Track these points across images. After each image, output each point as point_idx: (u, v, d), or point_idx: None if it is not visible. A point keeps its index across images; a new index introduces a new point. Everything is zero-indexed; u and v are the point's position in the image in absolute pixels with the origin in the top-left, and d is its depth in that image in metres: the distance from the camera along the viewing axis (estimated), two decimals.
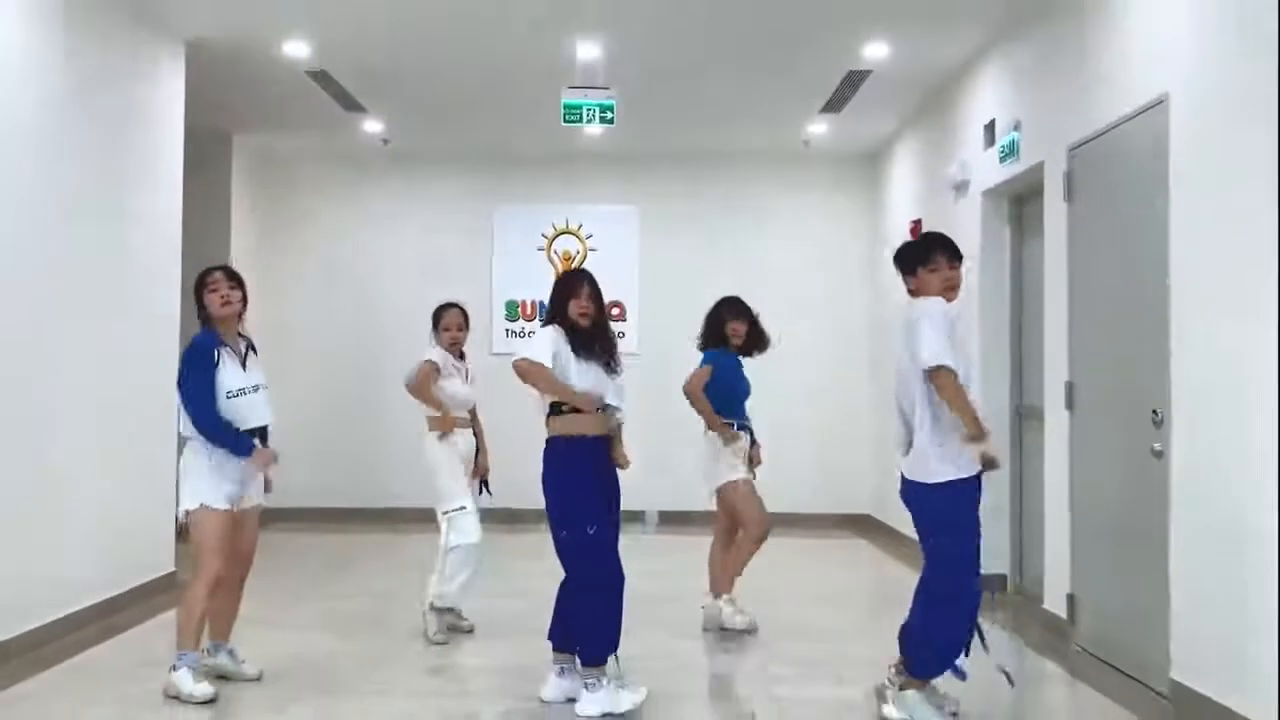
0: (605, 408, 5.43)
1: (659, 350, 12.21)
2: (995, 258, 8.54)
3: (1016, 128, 7.82)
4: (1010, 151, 7.91)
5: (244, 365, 5.70)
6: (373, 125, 11.13)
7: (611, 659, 5.31)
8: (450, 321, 7.08)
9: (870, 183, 12.32)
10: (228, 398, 5.57)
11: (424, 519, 7.32)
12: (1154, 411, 5.67)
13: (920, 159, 10.45)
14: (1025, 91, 7.77)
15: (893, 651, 5.16)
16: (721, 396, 7.15)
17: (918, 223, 10.32)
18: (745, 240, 12.46)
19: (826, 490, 12.15)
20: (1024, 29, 7.69)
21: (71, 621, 6.87)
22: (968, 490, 5.02)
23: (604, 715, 5.19)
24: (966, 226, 8.89)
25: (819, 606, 7.99)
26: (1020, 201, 8.36)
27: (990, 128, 8.38)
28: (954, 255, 5.28)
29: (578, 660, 5.40)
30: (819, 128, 11.00)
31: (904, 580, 8.67)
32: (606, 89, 8.36)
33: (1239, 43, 5.05)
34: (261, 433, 5.70)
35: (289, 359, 12.00)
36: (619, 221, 12.66)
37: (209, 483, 5.53)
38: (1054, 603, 7.01)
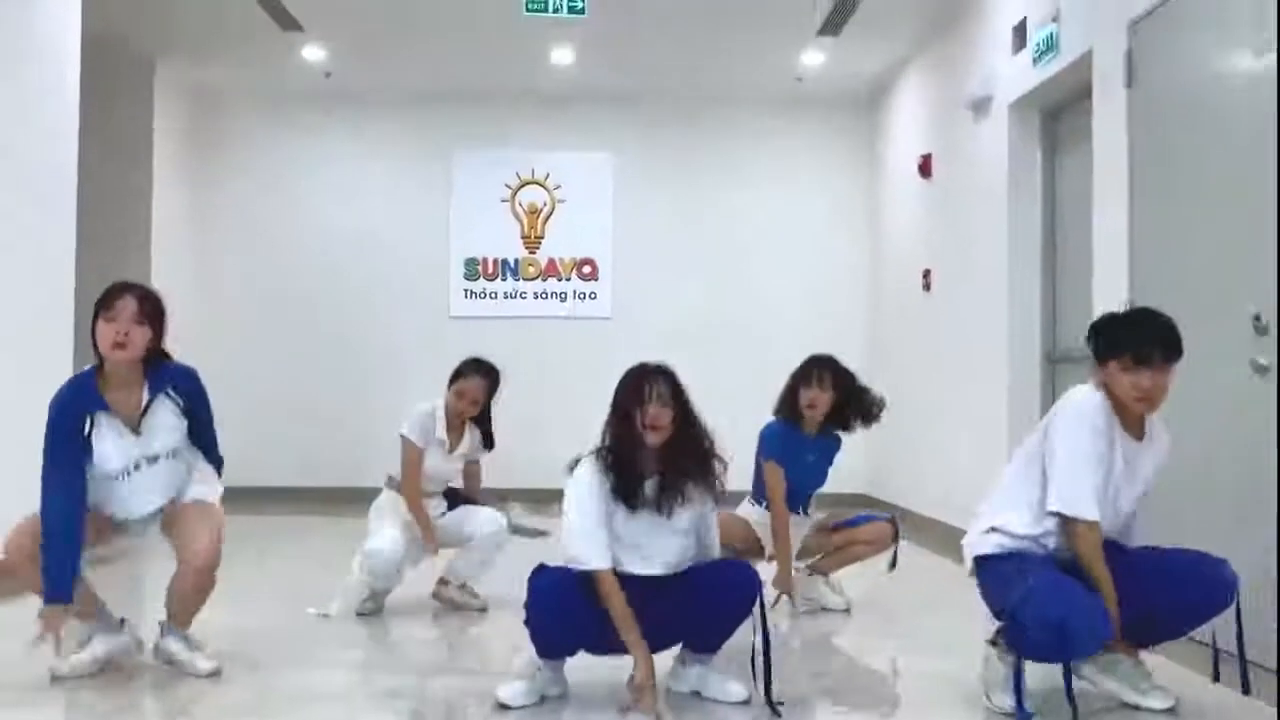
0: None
1: (634, 313, 11.23)
2: (1025, 182, 7.52)
3: (1055, 19, 6.80)
4: (1048, 48, 6.88)
5: (137, 429, 4.30)
6: (313, 52, 10.03)
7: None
8: (466, 389, 5.76)
9: (870, 123, 11.24)
10: (98, 479, 4.26)
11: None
12: (1255, 317, 4.63)
13: (932, 84, 9.41)
14: None
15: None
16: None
17: (927, 157, 9.30)
18: (731, 191, 11.39)
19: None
20: None
21: None
22: None
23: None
24: (989, 150, 7.89)
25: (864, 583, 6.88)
26: (1054, 115, 7.35)
27: (1021, 28, 7.36)
28: (1170, 354, 4.00)
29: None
30: (814, 57, 9.95)
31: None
32: None
33: None
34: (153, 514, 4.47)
35: (223, 328, 10.90)
36: (591, 170, 11.56)
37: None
38: None
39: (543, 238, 11.53)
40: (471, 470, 5.99)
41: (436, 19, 9.18)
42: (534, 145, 11.54)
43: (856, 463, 10.93)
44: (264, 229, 11.42)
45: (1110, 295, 5.97)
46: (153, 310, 4.29)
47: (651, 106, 11.34)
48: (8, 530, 4.30)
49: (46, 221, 6.77)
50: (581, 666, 4.22)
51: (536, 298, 11.43)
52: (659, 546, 4.05)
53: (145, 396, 4.30)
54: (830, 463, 6.03)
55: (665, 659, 4.26)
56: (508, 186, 11.59)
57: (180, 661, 4.41)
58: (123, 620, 4.53)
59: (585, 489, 3.97)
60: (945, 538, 7.72)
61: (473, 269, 11.51)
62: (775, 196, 11.31)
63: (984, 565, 4.14)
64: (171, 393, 4.37)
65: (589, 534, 3.92)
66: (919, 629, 5.67)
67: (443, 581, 5.84)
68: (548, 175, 11.61)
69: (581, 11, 7.36)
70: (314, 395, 10.89)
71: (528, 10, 7.40)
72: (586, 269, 11.31)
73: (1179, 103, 5.45)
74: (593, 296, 11.41)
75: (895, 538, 5.92)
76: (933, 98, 9.36)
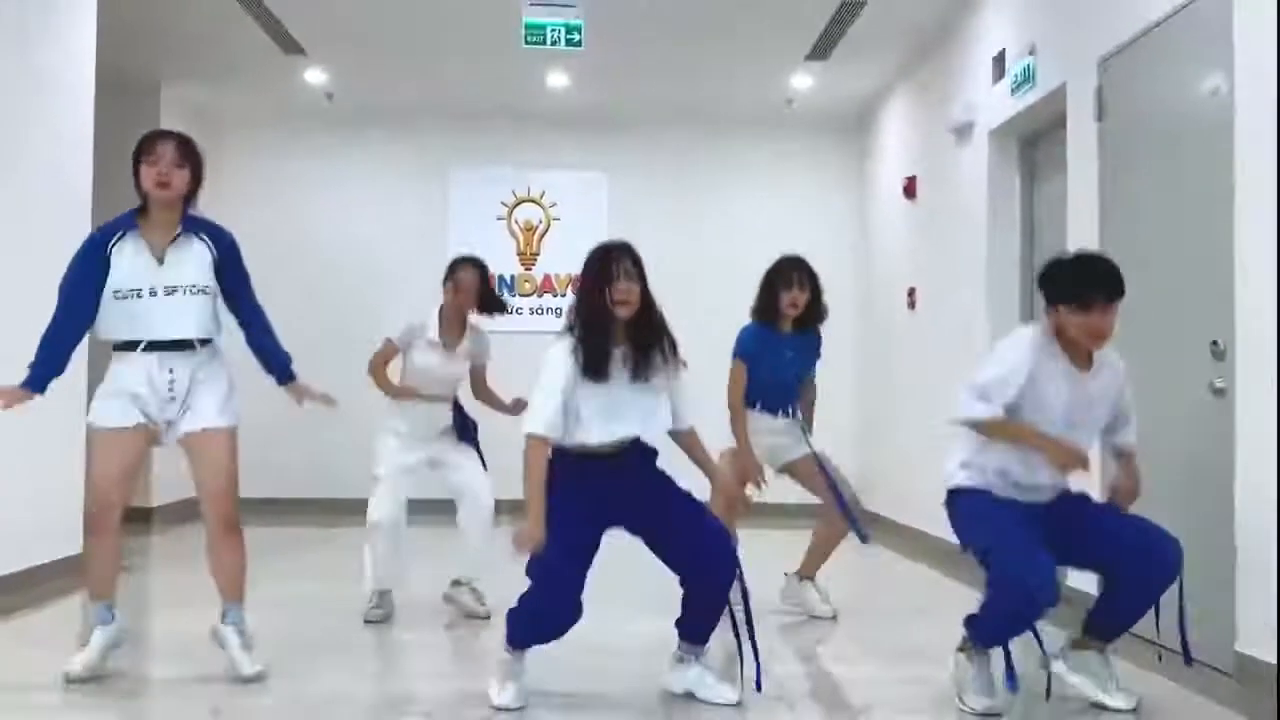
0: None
1: None
2: (1004, 207, 7.84)
3: (1031, 52, 7.11)
4: (1025, 79, 7.20)
5: (160, 259, 4.56)
6: (315, 75, 10.32)
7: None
8: (461, 280, 6.16)
9: (859, 145, 11.56)
10: (115, 298, 4.51)
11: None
12: (1214, 342, 4.94)
13: (917, 108, 9.73)
14: (1041, 10, 7.06)
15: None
16: (762, 387, 6.23)
17: (912, 179, 9.61)
18: (724, 211, 11.69)
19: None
20: None
21: None
22: None
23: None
24: (970, 175, 8.20)
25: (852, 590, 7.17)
26: (1032, 142, 7.66)
27: (1000, 59, 7.67)
28: (1113, 295, 4.32)
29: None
30: (804, 80, 10.26)
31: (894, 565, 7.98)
32: (573, 6, 7.60)
33: None
34: (181, 346, 4.59)
35: (226, 341, 11.16)
36: (585, 189, 11.86)
37: (100, 395, 4.61)
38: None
39: (538, 254, 11.84)
40: (477, 376, 6.30)
41: (435, 43, 9.47)
42: (530, 164, 11.84)
43: (847, 472, 11.29)
44: (267, 246, 11.58)
45: None
46: (191, 154, 4.61)
47: (645, 127, 11.64)
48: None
49: (64, 236, 7.03)
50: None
51: (532, 313, 11.72)
52: (631, 405, 4.35)
53: (177, 232, 4.58)
54: (816, 354, 6.43)
55: (659, 655, 4.55)
56: (504, 204, 11.89)
57: (231, 654, 4.68)
58: (111, 607, 4.74)
59: (551, 369, 4.34)
60: (933, 548, 8.02)
61: None
62: (766, 216, 11.60)
63: (953, 498, 4.51)
64: (204, 237, 4.65)
65: (542, 406, 4.30)
66: (901, 636, 5.95)
67: (456, 583, 6.15)
68: (543, 193, 11.91)
69: (579, 44, 7.66)
70: (315, 409, 11.14)
71: (526, 43, 7.70)
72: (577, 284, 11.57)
73: (1145, 137, 5.76)
74: None
75: (847, 515, 6.20)
76: (917, 122, 9.68)
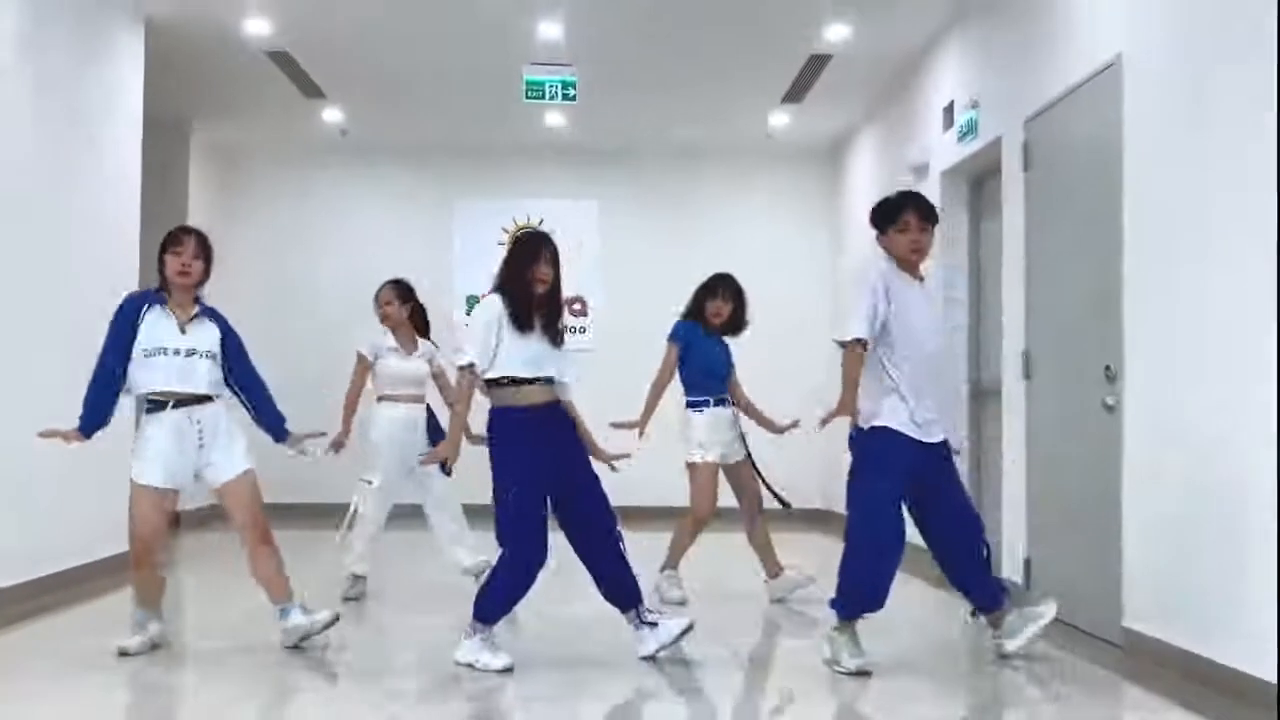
0: (549, 380, 5.45)
1: (619, 346, 12.36)
2: (954, 239, 8.76)
3: (974, 106, 8.05)
4: (969, 130, 8.14)
5: (183, 329, 5.53)
6: (332, 114, 11.26)
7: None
8: (381, 297, 7.62)
9: (831, 175, 12.54)
10: (144, 355, 5.45)
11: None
12: (1107, 367, 5.88)
13: (881, 147, 10.69)
14: (983, 69, 8.01)
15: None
16: (699, 373, 7.39)
17: None
18: (707, 234, 12.62)
19: (778, 483, 12.28)
20: (981, 6, 7.93)
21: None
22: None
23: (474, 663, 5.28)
24: None
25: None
26: (979, 182, 8.59)
27: (949, 109, 8.61)
28: (926, 216, 5.47)
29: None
30: (781, 119, 11.21)
31: None
32: (569, 65, 8.53)
33: None
34: (200, 400, 5.52)
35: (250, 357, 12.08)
36: (579, 216, 12.81)
37: (140, 455, 5.53)
38: (1012, 570, 7.18)
39: None
40: (437, 371, 7.55)
41: (441, 85, 10.42)
42: (528, 194, 12.80)
43: (811, 480, 12.23)
44: (286, 270, 12.65)
45: (1013, 344, 7.26)
46: (206, 249, 5.65)
47: (635, 160, 12.60)
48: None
49: (114, 259, 8.18)
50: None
51: None
52: (547, 357, 5.42)
53: (195, 310, 5.61)
54: (730, 355, 7.56)
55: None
56: (505, 230, 12.82)
57: (304, 623, 5.64)
58: (157, 614, 5.75)
59: (485, 311, 5.43)
60: None
61: (474, 305, 12.66)
62: (747, 241, 12.50)
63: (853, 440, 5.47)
64: (212, 319, 5.68)
65: (478, 340, 5.36)
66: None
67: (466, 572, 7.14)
68: (541, 220, 12.81)
69: (573, 99, 8.60)
70: (332, 417, 12.05)
71: (526, 98, 8.64)
72: (576, 306, 12.51)
73: (1060, 187, 6.71)
74: (581, 331, 12.63)
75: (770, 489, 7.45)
76: (882, 159, 10.62)
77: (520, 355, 5.37)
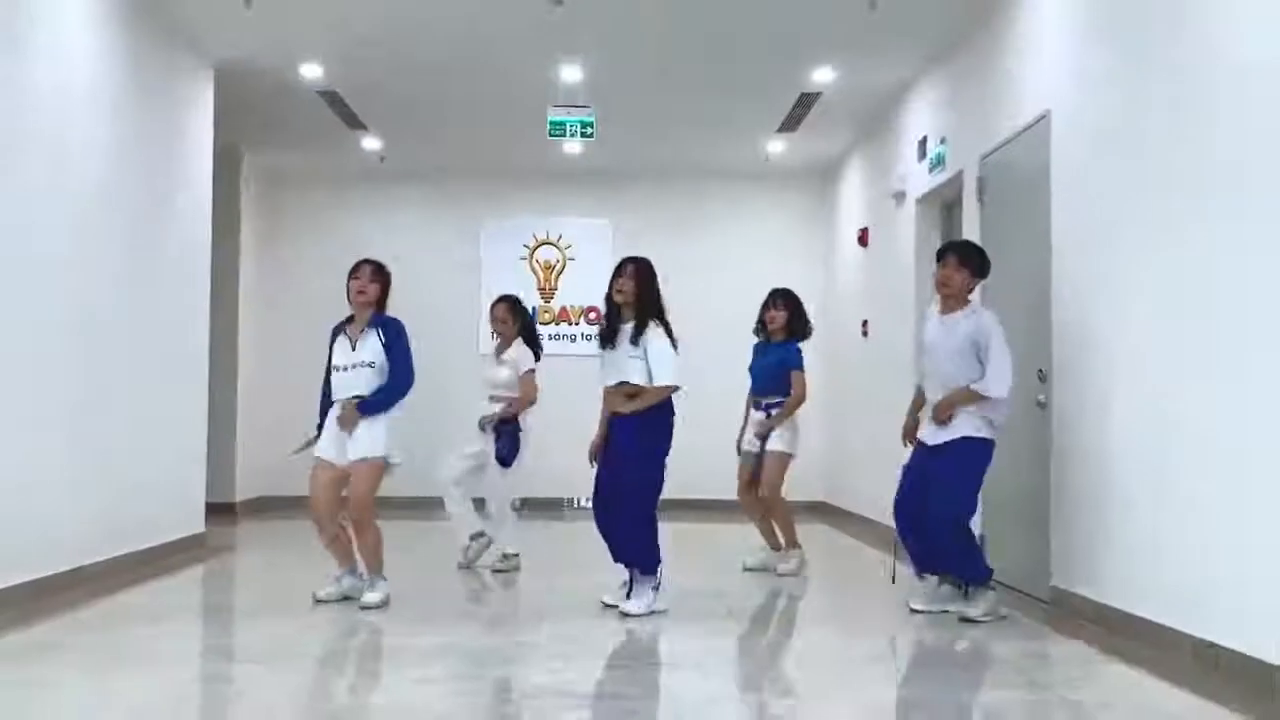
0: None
1: None
2: (928, 259, 9.78)
3: (943, 142, 9.11)
4: (938, 163, 9.20)
5: (354, 345, 6.74)
6: (371, 143, 12.35)
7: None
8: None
9: (823, 197, 13.66)
10: (335, 371, 6.78)
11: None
12: (1039, 370, 6.94)
13: (866, 173, 11.76)
14: (949, 110, 9.06)
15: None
16: (752, 380, 8.63)
17: (865, 230, 11.61)
18: (711, 248, 13.73)
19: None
20: (948, 55, 8.99)
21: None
22: None
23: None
24: (903, 231, 10.18)
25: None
26: (948, 209, 9.63)
27: (922, 143, 9.67)
28: (938, 255, 6.74)
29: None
30: (777, 145, 12.29)
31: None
32: (587, 107, 9.61)
33: (1108, 64, 6.34)
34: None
35: (292, 362, 13.20)
36: (595, 233, 13.91)
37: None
38: None
39: (556, 289, 13.90)
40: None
41: (469, 117, 11.49)
42: (548, 213, 13.94)
43: (815, 477, 13.30)
44: (328, 282, 13.58)
45: None
46: (381, 274, 6.91)
47: (645, 183, 13.75)
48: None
49: (190, 271, 9.45)
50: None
51: (551, 339, 13.62)
52: (622, 365, 6.53)
53: (363, 328, 6.76)
54: (785, 361, 8.37)
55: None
56: (526, 247, 13.95)
57: (348, 589, 6.83)
58: (355, 569, 6.93)
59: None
60: (884, 535, 9.99)
61: None
62: (746, 256, 13.61)
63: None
64: (379, 332, 6.77)
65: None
66: (839, 589, 7.92)
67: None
68: (559, 237, 13.97)
69: (591, 136, 9.68)
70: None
71: (550, 135, 9.72)
72: (592, 315, 13.55)
73: (1007, 217, 7.77)
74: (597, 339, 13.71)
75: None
76: (867, 185, 11.69)
77: (608, 364, 6.66)
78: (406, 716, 4.55)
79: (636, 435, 6.53)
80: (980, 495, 8.15)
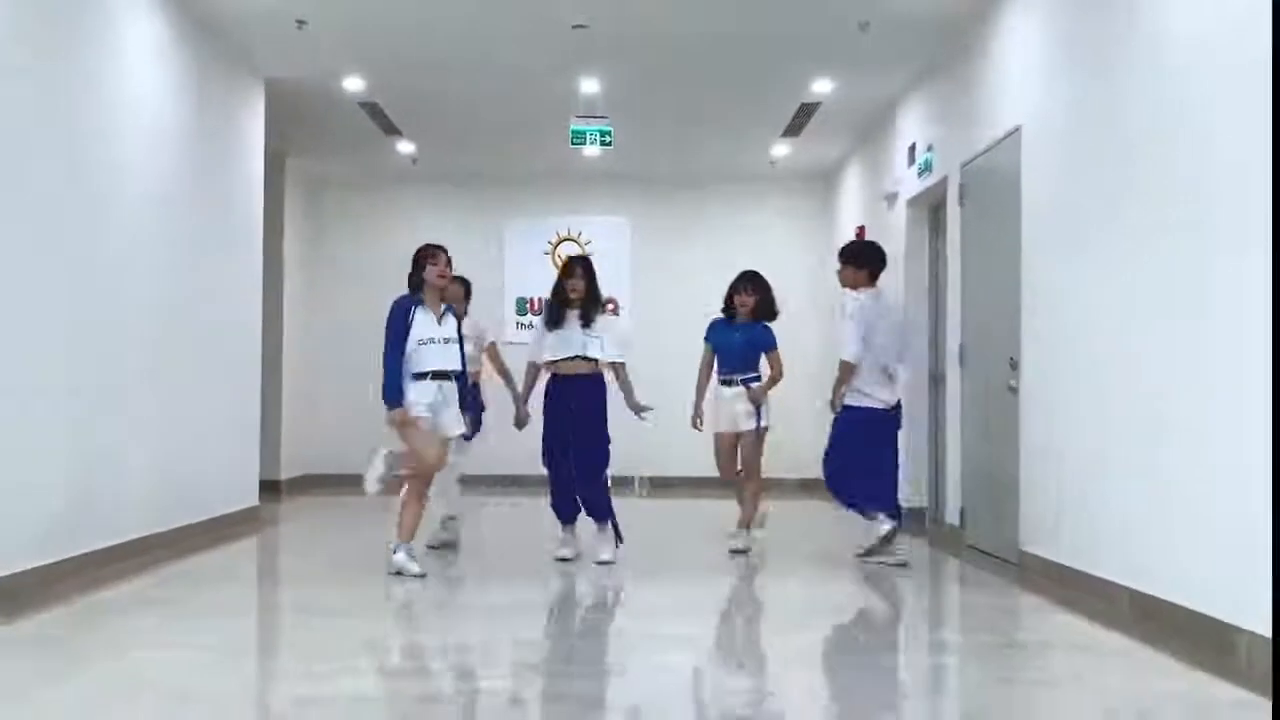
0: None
1: (649, 339, 14.09)
2: (917, 253, 10.45)
3: (930, 149, 9.75)
4: (926, 168, 9.83)
5: (439, 321, 7.15)
6: (405, 147, 13.01)
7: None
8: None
9: (825, 197, 14.32)
10: (418, 344, 7.07)
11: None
12: (1011, 358, 7.59)
13: (863, 176, 12.41)
14: (936, 120, 9.70)
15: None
16: (719, 357, 8.59)
17: (861, 228, 12.23)
18: (720, 245, 14.31)
19: (784, 459, 14.01)
20: (934, 71, 9.62)
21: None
22: None
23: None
24: (896, 231, 10.81)
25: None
26: (936, 210, 10.26)
27: (912, 150, 10.30)
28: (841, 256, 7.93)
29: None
30: (781, 150, 12.93)
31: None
32: (605, 118, 10.28)
33: (1072, 84, 6.98)
34: (448, 375, 7.13)
35: (331, 350, 13.92)
36: (613, 230, 14.60)
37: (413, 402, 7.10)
38: (952, 516, 8.92)
39: None
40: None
41: (496, 123, 12.13)
42: (569, 212, 14.64)
43: (813, 455, 13.90)
44: (364, 279, 14.38)
45: (953, 340, 8.96)
46: (449, 258, 7.35)
47: (659, 183, 14.44)
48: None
49: (243, 266, 10.15)
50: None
51: None
52: (575, 340, 7.69)
53: (441, 309, 7.27)
54: (756, 342, 8.56)
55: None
56: (549, 243, 14.64)
57: (402, 565, 7.17)
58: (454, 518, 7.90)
59: (536, 326, 8.12)
60: None
61: (522, 306, 14.53)
62: (753, 252, 13.93)
63: None
64: (450, 311, 7.36)
65: (534, 341, 7.98)
66: (820, 551, 8.59)
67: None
68: (580, 234, 14.64)
69: (609, 144, 10.36)
70: None
71: (571, 144, 10.41)
72: (610, 306, 14.09)
73: (985, 219, 8.41)
74: None
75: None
76: (864, 187, 12.34)
77: (559, 342, 7.78)
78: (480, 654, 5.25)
79: (603, 403, 7.73)
80: (962, 470, 8.82)
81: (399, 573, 7.04)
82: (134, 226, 7.98)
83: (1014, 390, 7.56)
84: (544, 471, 8.04)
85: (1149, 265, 5.81)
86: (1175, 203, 5.53)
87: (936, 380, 10.18)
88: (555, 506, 7.93)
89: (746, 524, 8.55)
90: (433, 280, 7.25)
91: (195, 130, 9.05)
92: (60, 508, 6.78)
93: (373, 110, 11.42)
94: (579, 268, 7.86)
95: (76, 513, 7.00)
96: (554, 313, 7.80)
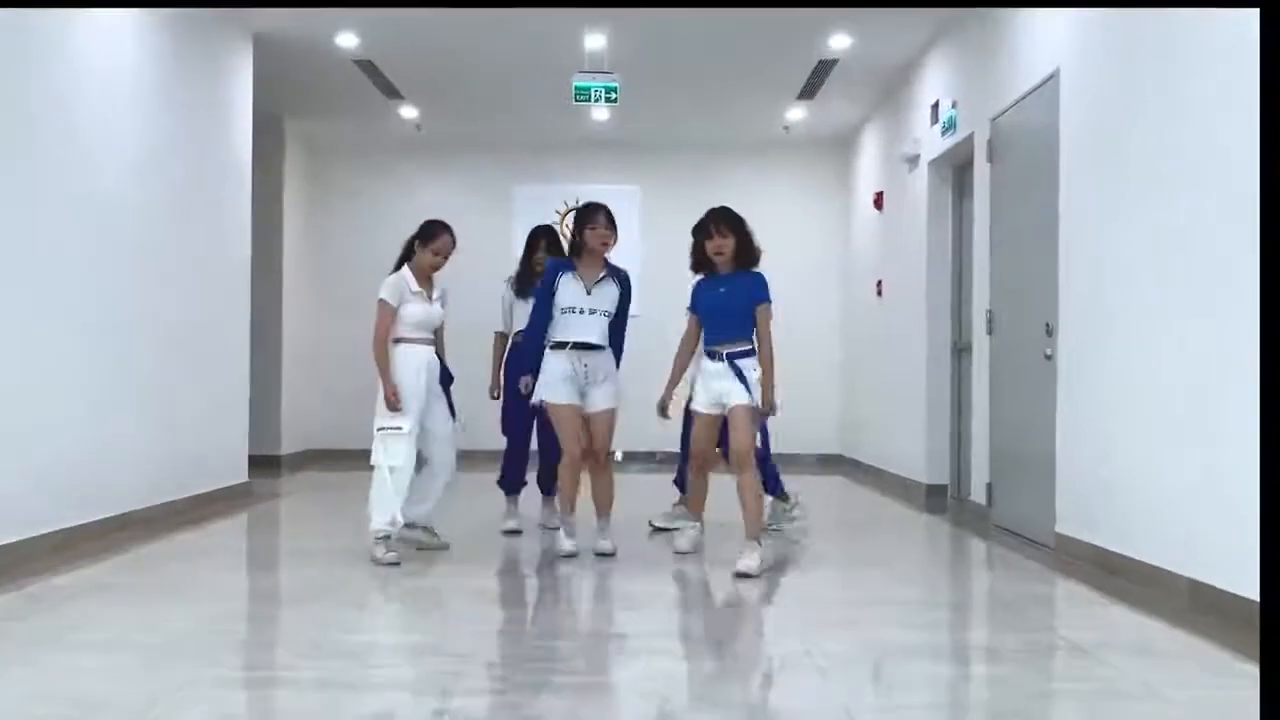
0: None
1: (658, 309, 13.37)
2: (940, 218, 9.68)
3: (954, 106, 8.97)
4: (950, 126, 9.05)
5: (588, 291, 6.42)
6: (408, 112, 12.27)
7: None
8: (442, 247, 6.70)
9: (841, 162, 13.50)
10: (560, 312, 6.41)
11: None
12: (1046, 324, 6.83)
13: (882, 139, 11.61)
14: (961, 74, 8.91)
15: None
16: (705, 323, 6.49)
17: (879, 194, 11.47)
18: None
19: (802, 434, 13.30)
20: (960, 19, 8.82)
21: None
22: None
23: None
24: (917, 193, 10.05)
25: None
26: (960, 170, 9.49)
27: (935, 108, 9.52)
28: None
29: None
30: (796, 114, 12.14)
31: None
32: (611, 73, 9.51)
33: (1114, 22, 6.19)
34: (585, 347, 6.36)
35: (331, 321, 13.21)
36: (623, 199, 13.67)
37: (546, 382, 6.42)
38: (978, 494, 8.17)
39: None
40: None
41: (501, 86, 11.38)
42: (577, 179, 13.82)
43: (831, 430, 13.25)
44: (365, 249, 13.67)
45: (980, 306, 8.19)
46: (613, 223, 6.63)
47: (670, 150, 13.62)
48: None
49: (230, 231, 9.40)
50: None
51: None
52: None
53: (601, 274, 6.50)
54: (747, 295, 6.46)
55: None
56: (557, 212, 13.84)
57: (570, 549, 6.49)
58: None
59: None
60: (891, 483, 9.94)
61: None
62: (768, 221, 13.12)
63: None
64: (616, 280, 6.58)
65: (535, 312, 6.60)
66: (851, 535, 7.87)
67: (408, 525, 6.51)
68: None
69: (615, 101, 9.59)
70: None
71: (575, 100, 9.63)
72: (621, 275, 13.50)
73: (1016, 176, 7.64)
74: None
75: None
76: (882, 150, 11.54)
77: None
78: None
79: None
80: (991, 444, 8.09)
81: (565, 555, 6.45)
82: (110, 192, 7.30)
83: (1050, 358, 6.80)
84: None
85: (1189, 226, 5.06)
86: (1236, 148, 4.76)
87: (961, 350, 9.44)
88: (513, 478, 7.66)
89: (757, 536, 6.24)
90: (594, 245, 6.51)
91: (176, 88, 8.31)
92: (13, 488, 6.10)
93: (369, 69, 10.67)
94: (543, 239, 7.91)
95: (37, 492, 6.34)
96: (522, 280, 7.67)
